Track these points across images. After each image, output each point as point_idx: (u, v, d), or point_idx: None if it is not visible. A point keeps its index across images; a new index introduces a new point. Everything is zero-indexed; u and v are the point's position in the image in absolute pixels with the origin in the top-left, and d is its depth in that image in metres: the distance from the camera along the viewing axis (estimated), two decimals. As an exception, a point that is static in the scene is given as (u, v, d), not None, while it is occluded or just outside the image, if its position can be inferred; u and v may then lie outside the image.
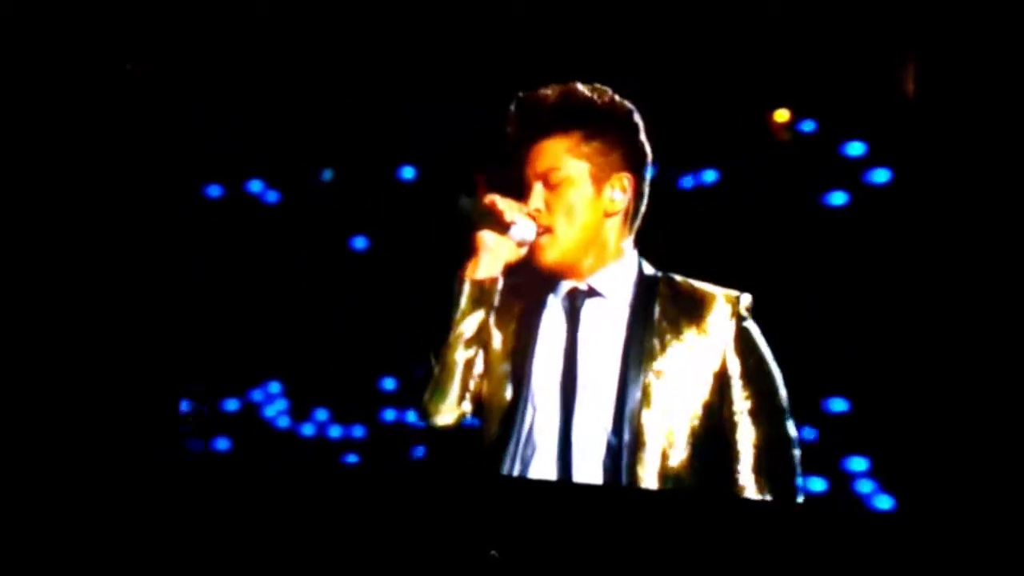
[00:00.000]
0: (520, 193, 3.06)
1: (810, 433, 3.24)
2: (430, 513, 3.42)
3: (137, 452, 3.89)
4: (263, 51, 3.89)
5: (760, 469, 2.91)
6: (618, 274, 3.06)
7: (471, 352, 3.02)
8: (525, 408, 3.00)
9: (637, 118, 3.07)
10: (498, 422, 3.01)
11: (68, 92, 3.94)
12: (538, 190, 3.03)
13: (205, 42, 3.92)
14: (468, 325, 3.01)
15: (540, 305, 3.08)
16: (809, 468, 3.06)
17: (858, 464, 3.28)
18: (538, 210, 3.02)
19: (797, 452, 2.97)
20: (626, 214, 3.08)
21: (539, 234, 3.02)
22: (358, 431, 3.75)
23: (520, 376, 3.01)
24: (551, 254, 3.03)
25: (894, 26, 3.36)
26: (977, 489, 3.12)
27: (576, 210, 3.02)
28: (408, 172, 3.78)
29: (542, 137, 3.04)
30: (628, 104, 3.07)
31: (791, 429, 2.97)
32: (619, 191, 3.05)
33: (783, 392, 2.97)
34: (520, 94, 3.08)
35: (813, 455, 3.13)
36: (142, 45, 3.95)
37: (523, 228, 3.00)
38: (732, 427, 2.93)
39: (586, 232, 3.03)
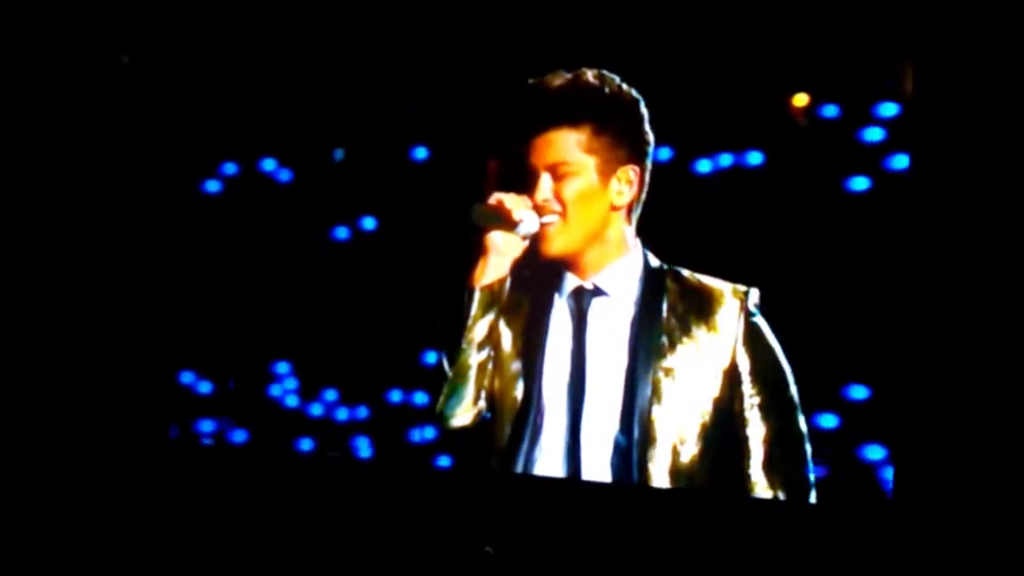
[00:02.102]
0: (528, 181, 3.05)
1: (830, 421, 3.22)
2: (436, 508, 3.42)
3: (148, 432, 3.91)
4: (277, 31, 3.87)
5: (771, 464, 2.92)
6: (623, 270, 3.06)
7: (483, 354, 3.03)
8: (534, 409, 3.01)
9: (643, 108, 3.06)
10: (508, 423, 3.03)
11: (84, 80, 3.94)
12: (546, 181, 3.02)
13: (219, 26, 3.90)
14: (480, 329, 3.02)
15: (547, 305, 3.08)
16: (827, 456, 3.06)
17: (875, 452, 3.26)
18: (546, 200, 3.01)
19: (808, 447, 2.97)
20: (630, 205, 3.07)
21: (545, 224, 3.01)
22: (364, 412, 3.74)
23: (530, 377, 3.03)
24: (556, 244, 3.03)
25: (913, 10, 3.32)
26: (994, 481, 3.09)
27: (583, 203, 3.01)
28: (421, 152, 3.75)
29: (550, 128, 3.02)
30: (634, 93, 3.06)
31: (802, 424, 2.97)
32: (626, 184, 3.04)
33: (793, 387, 2.97)
34: (529, 81, 3.07)
35: (832, 443, 3.12)
36: (154, 27, 3.93)
37: (529, 222, 3.00)
38: (742, 423, 2.93)
39: (592, 224, 3.02)
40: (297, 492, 3.66)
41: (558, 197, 3.01)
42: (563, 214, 3.01)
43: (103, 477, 3.83)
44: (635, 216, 3.09)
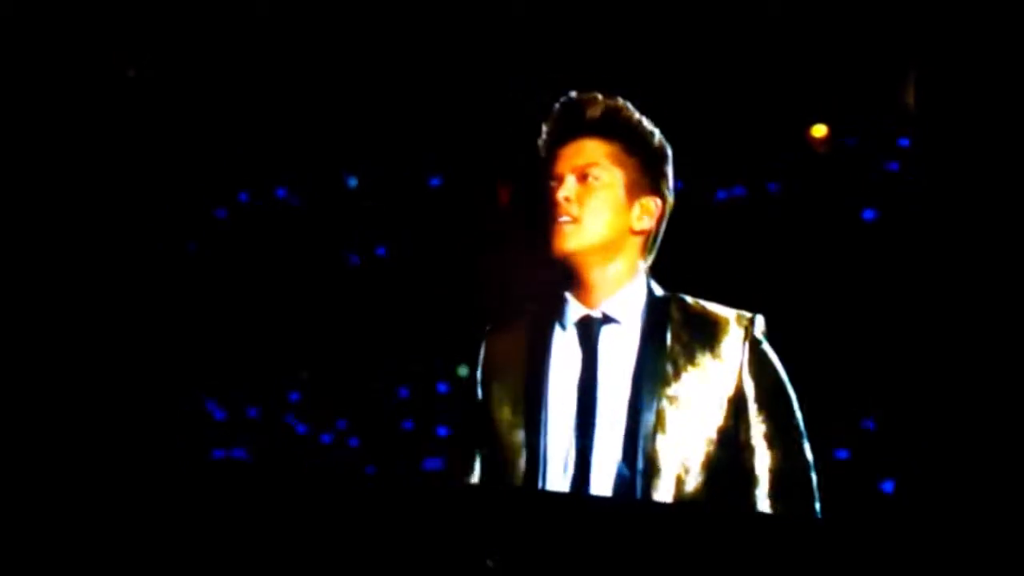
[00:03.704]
0: (551, 185, 2.99)
1: (844, 454, 3.20)
2: (439, 526, 3.40)
3: (160, 458, 3.91)
4: (291, 59, 3.89)
5: (778, 494, 2.87)
6: (630, 297, 3.00)
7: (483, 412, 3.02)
8: (542, 442, 2.94)
9: (669, 151, 3.04)
10: (517, 459, 2.96)
11: (101, 110, 3.97)
12: (571, 181, 2.95)
13: (233, 54, 3.92)
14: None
15: (549, 337, 3.01)
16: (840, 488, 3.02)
17: (886, 485, 3.23)
18: (567, 199, 2.94)
19: (814, 475, 2.93)
20: (647, 239, 3.03)
21: (565, 223, 2.94)
22: (375, 440, 3.74)
23: (535, 409, 2.95)
24: (572, 242, 2.93)
25: (924, 39, 3.31)
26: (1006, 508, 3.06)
27: (606, 209, 2.95)
28: (435, 181, 3.76)
29: (583, 136, 2.98)
30: (662, 138, 3.03)
31: (808, 452, 2.93)
32: (647, 214, 3.00)
33: (799, 416, 2.92)
34: (572, 94, 3.02)
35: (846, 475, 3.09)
36: (167, 52, 3.96)
37: None
38: (748, 452, 2.88)
39: (610, 235, 2.96)
40: (302, 509, 3.65)
41: (582, 198, 2.94)
42: (584, 214, 2.93)
43: (120, 502, 3.84)
44: (651, 255, 3.05)
